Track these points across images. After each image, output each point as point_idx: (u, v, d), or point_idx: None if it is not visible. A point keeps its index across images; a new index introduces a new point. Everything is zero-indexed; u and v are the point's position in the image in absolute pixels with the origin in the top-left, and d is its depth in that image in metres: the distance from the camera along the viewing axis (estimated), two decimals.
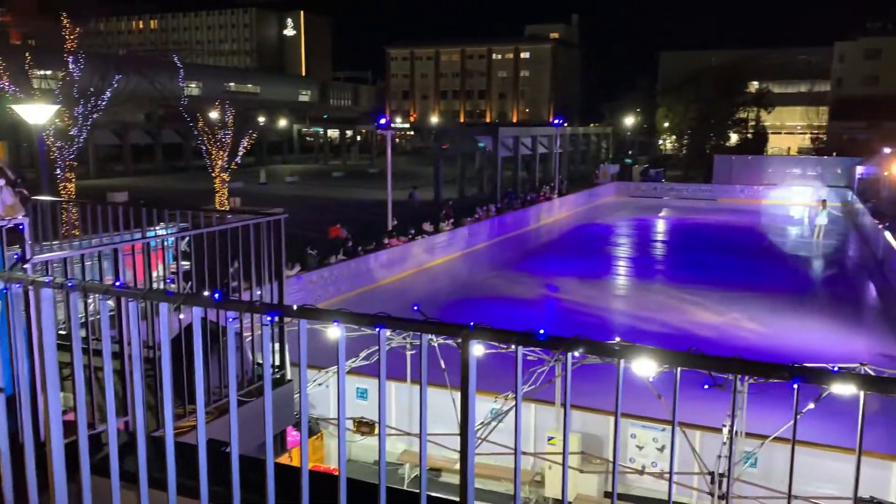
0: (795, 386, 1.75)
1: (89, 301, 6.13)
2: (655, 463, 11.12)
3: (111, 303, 5.13)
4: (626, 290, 25.83)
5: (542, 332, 1.99)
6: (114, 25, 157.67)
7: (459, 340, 2.04)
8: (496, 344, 2.12)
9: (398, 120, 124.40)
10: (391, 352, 10.80)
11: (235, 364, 2.49)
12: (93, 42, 41.57)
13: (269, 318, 2.28)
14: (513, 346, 2.01)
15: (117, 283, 2.72)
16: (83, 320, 5.74)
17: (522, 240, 35.64)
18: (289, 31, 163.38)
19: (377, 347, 2.39)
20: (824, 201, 37.85)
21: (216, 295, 2.40)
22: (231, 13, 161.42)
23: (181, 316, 2.89)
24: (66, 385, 3.68)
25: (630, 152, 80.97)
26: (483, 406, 10.72)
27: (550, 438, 11.35)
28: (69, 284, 2.73)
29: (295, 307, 2.29)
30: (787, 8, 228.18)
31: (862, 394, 1.72)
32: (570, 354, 2.02)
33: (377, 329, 2.19)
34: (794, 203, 49.48)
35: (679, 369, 1.97)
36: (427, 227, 29.29)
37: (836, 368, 1.85)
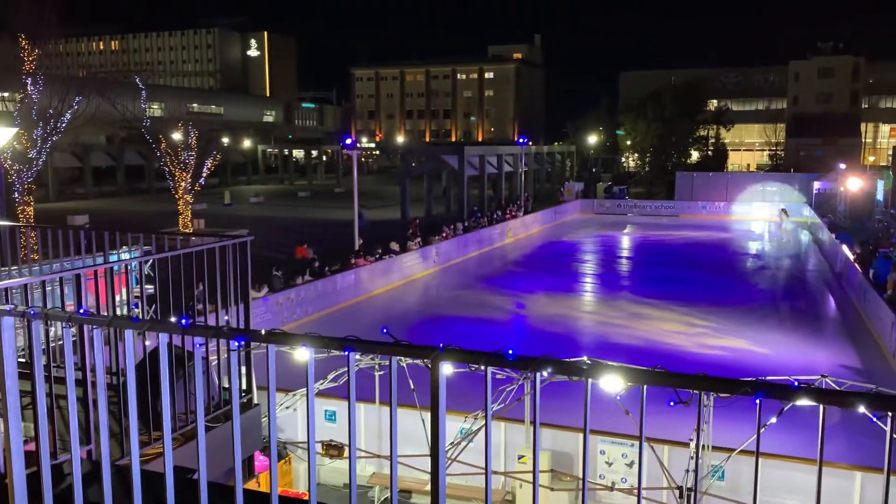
0: (758, 401, 1.79)
1: (50, 327, 6.00)
2: (625, 479, 11.17)
3: (74, 329, 5.03)
4: (594, 305, 26.06)
5: (510, 352, 2.01)
6: (74, 47, 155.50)
7: (429, 362, 2.05)
8: (466, 364, 2.13)
9: (364, 139, 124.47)
10: (359, 373, 10.74)
11: (203, 390, 2.46)
12: (52, 63, 40.99)
13: (236, 344, 2.27)
14: (482, 367, 2.03)
15: (81, 311, 2.68)
16: (44, 347, 5.62)
17: (490, 258, 35.79)
18: (252, 52, 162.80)
19: (346, 369, 2.38)
20: (784, 210, 42.80)
21: (183, 320, 2.38)
22: (194, 34, 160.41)
23: (146, 342, 2.85)
24: (26, 414, 3.59)
25: (594, 169, 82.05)
26: (453, 426, 10.70)
27: (521, 457, 11.35)
28: (31, 312, 2.68)
29: (263, 332, 2.27)
30: (743, 28, 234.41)
31: (822, 407, 1.77)
32: (538, 374, 2.04)
33: (346, 352, 2.19)
34: (755, 218, 50.52)
35: (645, 387, 2.00)
36: (394, 246, 29.26)
37: (796, 382, 1.90)
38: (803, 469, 10.06)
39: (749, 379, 1.85)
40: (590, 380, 2.01)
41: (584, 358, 10.99)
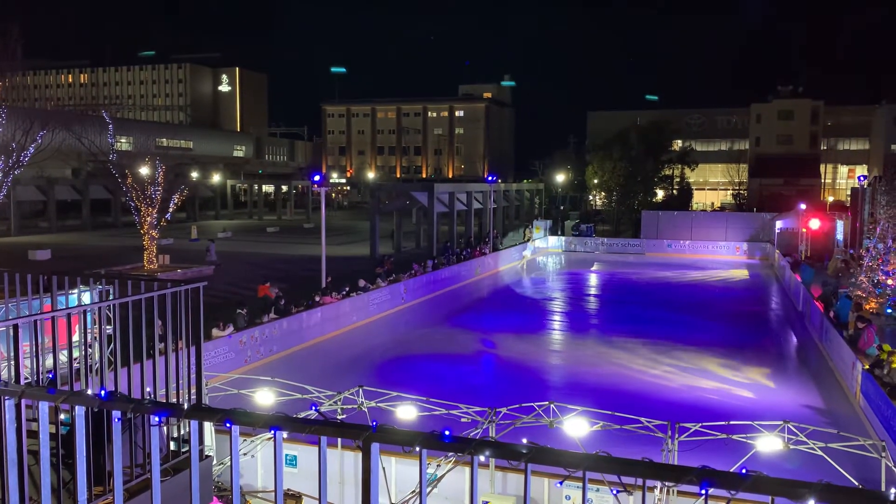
0: (703, 491, 1.70)
1: None
2: None
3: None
4: (561, 344, 26.01)
5: (447, 433, 1.89)
6: (42, 79, 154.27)
7: (361, 442, 1.92)
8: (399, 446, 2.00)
9: (335, 175, 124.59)
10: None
11: (119, 459, 2.30)
12: (18, 95, 40.47)
13: (156, 419, 2.12)
14: (416, 448, 1.90)
15: None
16: None
17: (458, 295, 35.66)
18: (224, 87, 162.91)
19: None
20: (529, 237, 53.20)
21: (102, 392, 2.22)
22: (165, 68, 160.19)
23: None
24: None
25: (562, 207, 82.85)
26: (413, 471, 10.45)
27: (485, 503, 11.11)
28: None
29: (185, 407, 2.12)
30: (706, 71, 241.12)
31: (771, 498, 1.68)
32: (475, 458, 1.92)
33: (273, 431, 2.05)
34: (718, 256, 51.26)
35: (587, 473, 1.90)
36: (362, 283, 29.00)
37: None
38: None
39: (694, 467, 1.76)
40: (529, 466, 1.90)
41: (549, 402, 10.86)
